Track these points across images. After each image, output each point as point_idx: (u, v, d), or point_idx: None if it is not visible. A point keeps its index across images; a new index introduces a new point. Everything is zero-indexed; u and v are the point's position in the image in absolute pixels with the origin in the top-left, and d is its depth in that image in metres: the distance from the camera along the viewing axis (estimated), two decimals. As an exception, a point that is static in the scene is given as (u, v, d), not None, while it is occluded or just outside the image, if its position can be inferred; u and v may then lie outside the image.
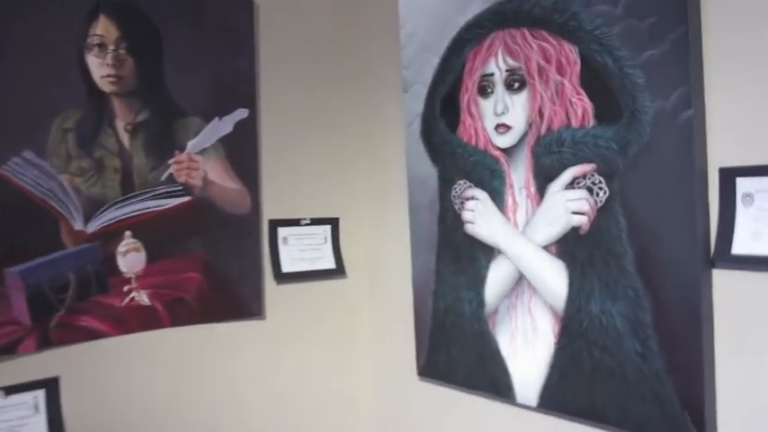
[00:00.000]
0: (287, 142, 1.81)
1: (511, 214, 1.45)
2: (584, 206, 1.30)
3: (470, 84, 1.53)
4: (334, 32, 1.91)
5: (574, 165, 1.31)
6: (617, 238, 1.25)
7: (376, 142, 1.90)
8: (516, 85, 1.42)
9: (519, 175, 1.43)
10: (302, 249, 1.83)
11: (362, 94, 1.93)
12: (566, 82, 1.33)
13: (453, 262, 1.59)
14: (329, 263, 1.88)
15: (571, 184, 1.32)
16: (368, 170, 1.93)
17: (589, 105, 1.29)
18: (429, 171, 1.64)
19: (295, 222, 1.82)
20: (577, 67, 1.31)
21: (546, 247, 1.37)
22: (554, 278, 1.35)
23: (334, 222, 1.89)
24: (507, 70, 1.43)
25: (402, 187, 1.74)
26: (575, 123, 1.31)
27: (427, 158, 1.65)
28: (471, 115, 1.53)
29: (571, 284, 1.33)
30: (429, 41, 1.64)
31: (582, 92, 1.30)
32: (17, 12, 1.41)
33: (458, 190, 1.56)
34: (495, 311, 1.49)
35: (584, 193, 1.30)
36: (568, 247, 1.33)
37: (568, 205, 1.32)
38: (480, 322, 1.52)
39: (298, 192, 1.83)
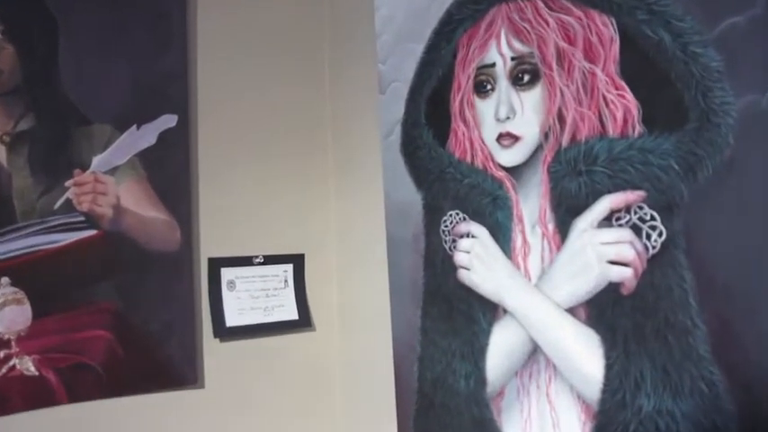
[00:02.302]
0: (231, 158, 1.44)
1: (520, 260, 1.03)
2: (628, 253, 0.89)
3: (464, 79, 1.12)
4: (292, 19, 1.54)
5: (611, 192, 0.90)
6: (680, 304, 0.83)
7: (346, 159, 1.52)
8: (526, 78, 1.02)
9: (531, 206, 1.02)
10: (254, 296, 1.44)
11: (328, 98, 1.56)
12: (598, 71, 0.92)
13: (443, 320, 1.17)
14: (291, 312, 1.48)
15: (608, 220, 0.91)
16: (338, 194, 1.55)
17: (634, 104, 0.89)
18: (412, 197, 1.24)
19: (245, 261, 1.43)
20: (615, 49, 0.91)
21: (571, 310, 0.95)
22: (584, 355, 0.94)
23: (297, 260, 1.51)
24: (513, 58, 1.04)
25: (379, 217, 1.34)
26: (612, 131, 0.91)
27: (410, 180, 1.24)
28: (465, 122, 1.12)
29: (609, 367, 0.91)
30: (410, 26, 1.26)
31: (623, 85, 0.90)
32: None
33: (449, 223, 1.15)
34: (501, 394, 1.07)
35: (627, 233, 0.89)
36: (605, 311, 0.92)
37: (603, 251, 0.91)
38: (480, 407, 1.10)
39: (247, 222, 1.45)
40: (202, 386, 1.38)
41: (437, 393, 1.19)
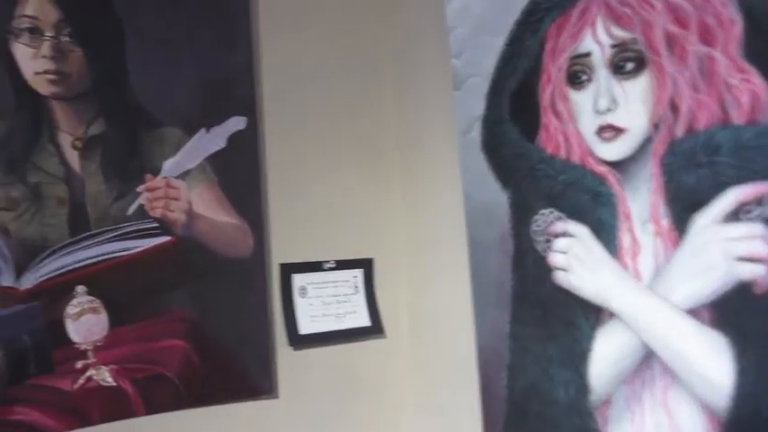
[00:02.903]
0: (300, 160, 1.39)
1: (629, 260, 0.97)
2: (760, 249, 0.81)
3: (554, 70, 1.07)
4: (356, 16, 1.48)
5: (738, 183, 0.83)
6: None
7: (417, 159, 1.46)
8: (629, 66, 0.96)
9: (640, 202, 0.96)
10: (326, 302, 1.39)
11: (398, 96, 1.49)
12: (717, 54, 0.86)
13: (537, 324, 1.11)
14: (362, 319, 1.43)
15: (735, 215, 0.84)
16: (410, 196, 1.48)
17: (763, 88, 0.82)
18: (496, 197, 1.18)
19: (316, 267, 1.39)
20: (737, 30, 0.84)
21: (692, 312, 0.88)
22: (709, 359, 0.87)
23: (366, 265, 1.45)
24: (614, 45, 0.97)
25: (458, 218, 1.28)
26: (737, 118, 0.84)
27: (493, 179, 1.18)
28: (558, 115, 1.06)
29: (742, 372, 0.84)
30: (488, 18, 1.20)
31: (748, 67, 0.83)
32: None
33: (541, 223, 1.09)
34: (608, 402, 1.00)
35: (758, 228, 0.82)
36: (733, 312, 0.85)
37: (731, 247, 0.85)
38: (583, 416, 1.04)
39: (317, 226, 1.40)
40: (277, 396, 1.33)
41: (531, 402, 1.13)
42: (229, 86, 1.30)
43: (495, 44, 1.16)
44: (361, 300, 1.44)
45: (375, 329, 1.44)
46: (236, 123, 1.29)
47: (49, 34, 1.12)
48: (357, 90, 1.46)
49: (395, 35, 1.50)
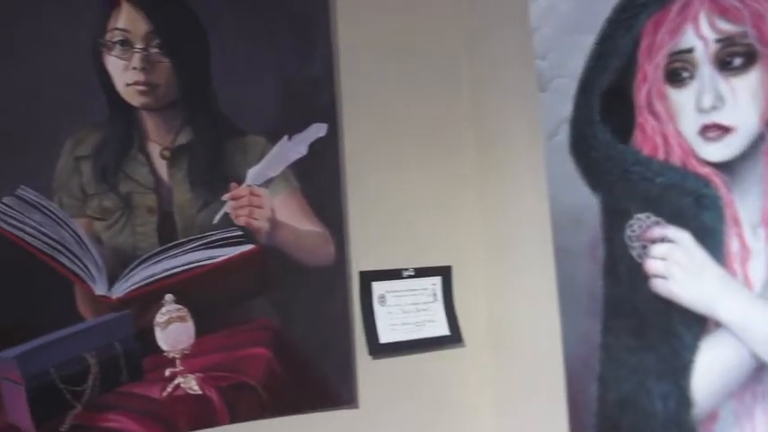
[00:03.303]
0: (380, 167, 1.37)
1: (738, 266, 0.92)
2: None
3: (651, 68, 1.02)
4: (435, 18, 1.46)
5: None
6: None
7: (497, 164, 1.43)
8: (738, 61, 0.91)
9: (750, 205, 0.91)
10: (405, 311, 1.37)
11: (480, 99, 1.46)
12: (838, 47, 0.80)
13: (632, 334, 1.07)
14: (441, 328, 1.40)
15: None
16: (489, 201, 1.45)
17: None
18: (586, 201, 1.14)
19: (395, 275, 1.37)
20: None
21: (813, 322, 0.83)
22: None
23: (445, 273, 1.43)
24: (719, 40, 0.93)
25: (542, 224, 1.25)
26: None
27: (582, 183, 1.14)
28: (655, 115, 1.02)
29: None
30: (576, 16, 1.17)
31: None
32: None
33: (637, 228, 1.05)
34: (713, 418, 0.95)
35: None
36: None
37: None
38: (683, 430, 0.98)
39: (396, 233, 1.38)
40: (357, 406, 1.31)
41: (625, 416, 1.08)
42: (310, 93, 1.29)
43: (584, 43, 1.13)
44: (439, 308, 1.42)
45: (454, 338, 1.41)
46: (317, 130, 1.28)
47: (139, 46, 1.14)
48: (436, 94, 1.44)
49: (474, 37, 1.47)
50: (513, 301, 1.39)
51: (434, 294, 1.42)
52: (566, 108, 1.17)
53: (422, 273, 1.40)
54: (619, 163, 1.08)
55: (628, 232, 1.06)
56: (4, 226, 1.04)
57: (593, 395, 1.14)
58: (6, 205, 1.04)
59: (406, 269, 1.38)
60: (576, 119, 1.16)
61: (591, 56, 1.12)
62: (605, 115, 1.10)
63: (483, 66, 1.45)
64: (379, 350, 1.33)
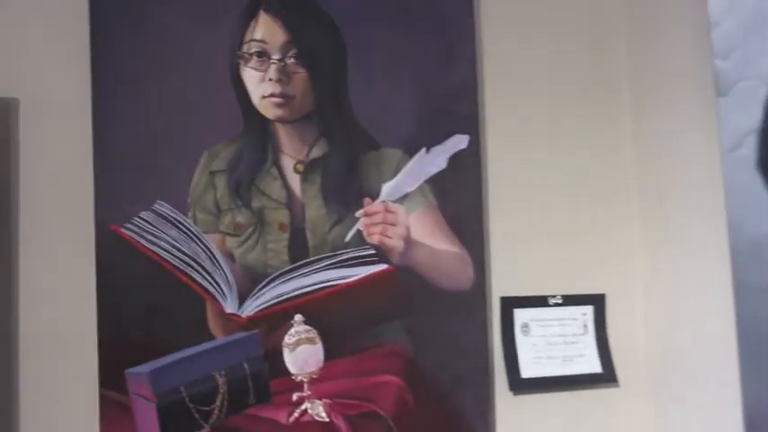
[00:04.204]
0: (525, 182, 1.27)
1: None
2: None
3: None
4: (587, 16, 1.33)
5: None
6: None
7: (665, 180, 1.26)
8: None
9: None
10: (551, 343, 1.26)
11: (645, 106, 1.30)
12: None
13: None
14: (592, 364, 1.27)
15: None
16: (651, 223, 1.29)
17: None
18: (777, 227, 0.95)
19: (540, 302, 1.26)
20: None
21: None
22: None
23: (597, 301, 1.29)
24: None
25: (719, 253, 1.09)
26: None
27: (772, 205, 0.96)
28: None
29: None
30: (766, 8, 0.98)
31: None
32: (142, 15, 1.08)
33: None
34: None
35: None
36: None
37: None
38: None
39: (542, 256, 1.27)
40: (492, 446, 1.20)
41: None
42: (451, 102, 1.22)
43: (775, 40, 0.95)
44: (590, 341, 1.28)
45: (607, 377, 1.27)
46: (458, 142, 1.20)
47: (276, 57, 1.12)
48: (590, 102, 1.32)
49: (639, 35, 1.31)
50: (677, 340, 1.23)
51: (585, 326, 1.28)
52: (752, 116, 1.01)
53: (571, 301, 1.28)
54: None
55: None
56: (142, 242, 1.04)
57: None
58: (144, 220, 1.05)
59: (554, 296, 1.27)
60: (765, 129, 0.98)
61: (787, 54, 0.94)
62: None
63: (650, 68, 1.29)
64: (521, 385, 1.22)
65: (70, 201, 1.03)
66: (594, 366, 1.27)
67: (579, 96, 1.31)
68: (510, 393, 1.22)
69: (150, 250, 1.04)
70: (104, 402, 1.01)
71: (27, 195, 1.02)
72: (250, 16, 1.11)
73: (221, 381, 1.06)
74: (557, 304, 1.26)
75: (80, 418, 1.01)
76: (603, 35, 1.33)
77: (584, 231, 1.29)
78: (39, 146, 1.03)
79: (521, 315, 1.24)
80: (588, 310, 1.28)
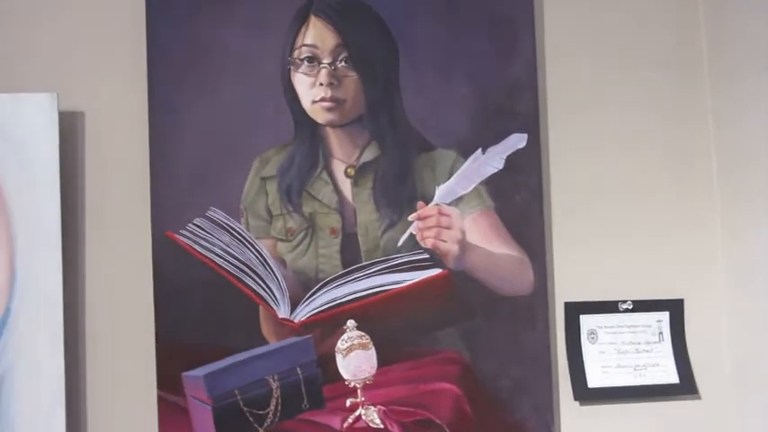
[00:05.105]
0: (589, 181, 1.23)
1: None
2: None
3: None
4: (657, 10, 1.26)
5: None
6: None
7: (748, 178, 1.17)
8: None
9: None
10: (621, 351, 1.20)
11: (719, 100, 1.22)
12: None
13: None
14: (668, 374, 1.20)
15: None
16: (733, 221, 1.21)
17: None
18: None
19: (609, 307, 1.21)
20: None
21: None
22: None
23: (674, 307, 1.22)
24: None
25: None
26: None
27: None
28: None
29: None
30: None
31: None
32: (196, 28, 1.12)
33: None
34: None
35: None
36: None
37: None
38: None
39: (610, 259, 1.22)
40: (551, 459, 1.16)
41: None
42: (508, 101, 1.19)
43: None
44: (666, 350, 1.22)
45: (685, 388, 1.21)
46: (516, 142, 1.17)
47: (326, 61, 1.13)
48: (661, 96, 1.26)
49: (716, 26, 1.22)
50: (762, 348, 1.11)
51: (660, 333, 1.22)
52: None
53: (644, 306, 1.22)
54: None
55: None
56: (197, 248, 1.08)
57: None
58: (198, 226, 1.08)
59: (624, 301, 1.21)
60: None
61: None
62: None
63: (729, 61, 1.20)
64: (588, 396, 1.18)
65: (129, 208, 1.09)
66: (671, 376, 1.20)
67: (651, 93, 1.24)
68: (576, 403, 1.17)
69: (204, 256, 1.07)
70: (162, 403, 1.05)
71: (91, 204, 1.09)
72: (301, 21, 1.13)
73: (275, 385, 1.08)
74: (627, 310, 1.20)
75: (140, 417, 1.06)
76: (675, 25, 1.25)
77: (659, 232, 1.24)
78: (101, 155, 1.10)
79: (587, 321, 1.19)
80: (664, 316, 1.22)
